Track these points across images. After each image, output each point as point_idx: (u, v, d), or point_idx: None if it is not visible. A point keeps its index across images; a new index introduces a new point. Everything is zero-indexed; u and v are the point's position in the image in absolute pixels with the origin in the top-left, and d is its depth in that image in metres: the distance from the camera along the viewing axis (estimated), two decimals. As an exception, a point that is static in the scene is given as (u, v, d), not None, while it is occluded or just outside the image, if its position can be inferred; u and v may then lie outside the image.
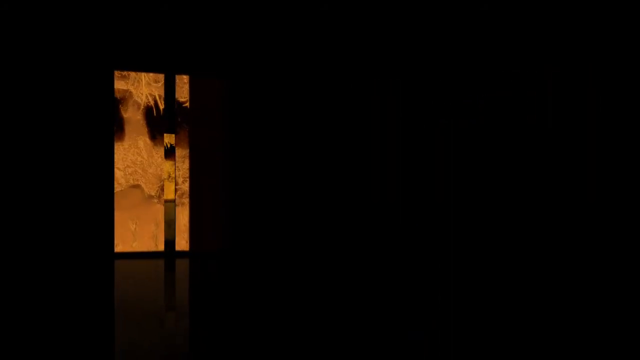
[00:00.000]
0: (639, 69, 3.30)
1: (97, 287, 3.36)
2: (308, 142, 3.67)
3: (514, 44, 3.54)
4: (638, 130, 3.29)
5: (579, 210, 3.39)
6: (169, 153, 6.76)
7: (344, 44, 3.71)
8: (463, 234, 3.63)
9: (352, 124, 3.73)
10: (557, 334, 3.45)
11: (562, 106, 3.44)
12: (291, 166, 3.64)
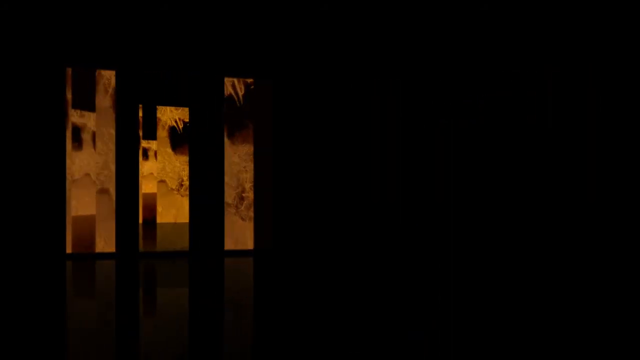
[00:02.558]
0: (639, 69, 3.30)
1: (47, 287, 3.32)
2: (309, 143, 3.66)
3: (514, 44, 3.55)
4: (638, 130, 3.29)
5: (578, 209, 3.39)
6: (178, 142, 4.18)
7: (344, 44, 3.71)
8: (463, 234, 3.63)
9: (352, 124, 3.73)
10: (557, 332, 3.45)
11: (562, 106, 3.44)
12: (298, 167, 3.64)
